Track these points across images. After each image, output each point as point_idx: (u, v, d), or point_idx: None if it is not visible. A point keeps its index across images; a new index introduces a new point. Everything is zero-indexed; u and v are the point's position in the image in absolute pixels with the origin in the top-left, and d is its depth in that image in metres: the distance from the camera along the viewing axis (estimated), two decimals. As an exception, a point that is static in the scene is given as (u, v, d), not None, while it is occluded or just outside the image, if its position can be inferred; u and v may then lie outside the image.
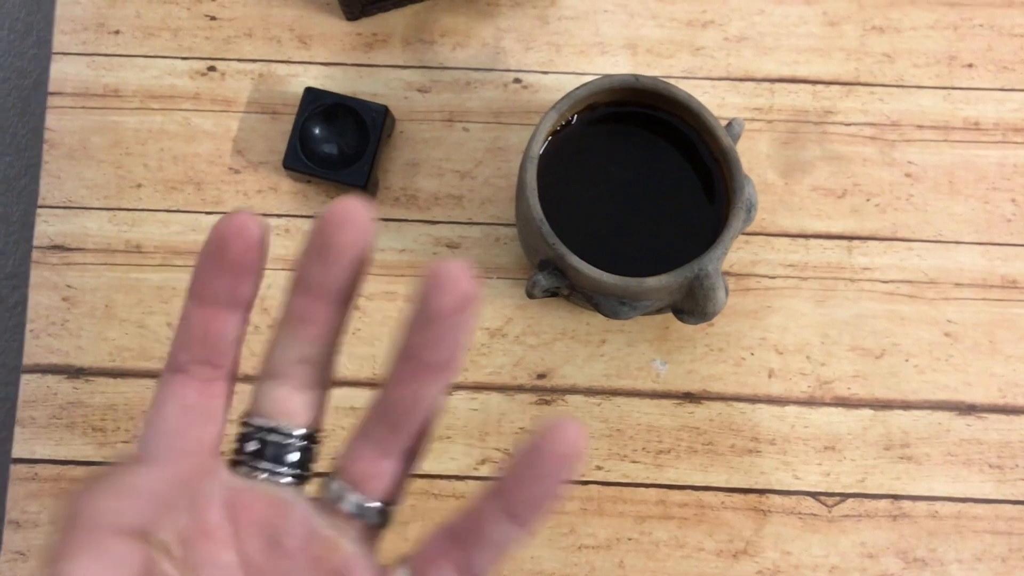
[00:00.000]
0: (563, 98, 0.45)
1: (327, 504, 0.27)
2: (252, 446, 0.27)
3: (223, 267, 0.26)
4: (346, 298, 0.27)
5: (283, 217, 0.53)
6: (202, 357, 0.27)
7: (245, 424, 0.28)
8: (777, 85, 0.54)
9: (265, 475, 0.27)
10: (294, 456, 0.27)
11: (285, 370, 0.27)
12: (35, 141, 1.01)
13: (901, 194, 0.53)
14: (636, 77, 0.45)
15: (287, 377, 0.27)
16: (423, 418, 0.27)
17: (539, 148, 0.45)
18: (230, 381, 0.28)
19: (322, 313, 0.27)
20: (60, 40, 0.55)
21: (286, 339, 0.27)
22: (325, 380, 0.28)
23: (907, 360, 0.52)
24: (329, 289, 0.26)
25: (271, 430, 0.27)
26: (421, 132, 0.54)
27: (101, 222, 0.53)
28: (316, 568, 0.26)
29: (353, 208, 0.25)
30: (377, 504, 0.27)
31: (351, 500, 0.27)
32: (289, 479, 0.27)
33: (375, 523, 0.27)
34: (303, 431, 0.27)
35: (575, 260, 0.44)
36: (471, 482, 0.51)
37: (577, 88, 0.45)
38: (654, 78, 0.45)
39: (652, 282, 0.44)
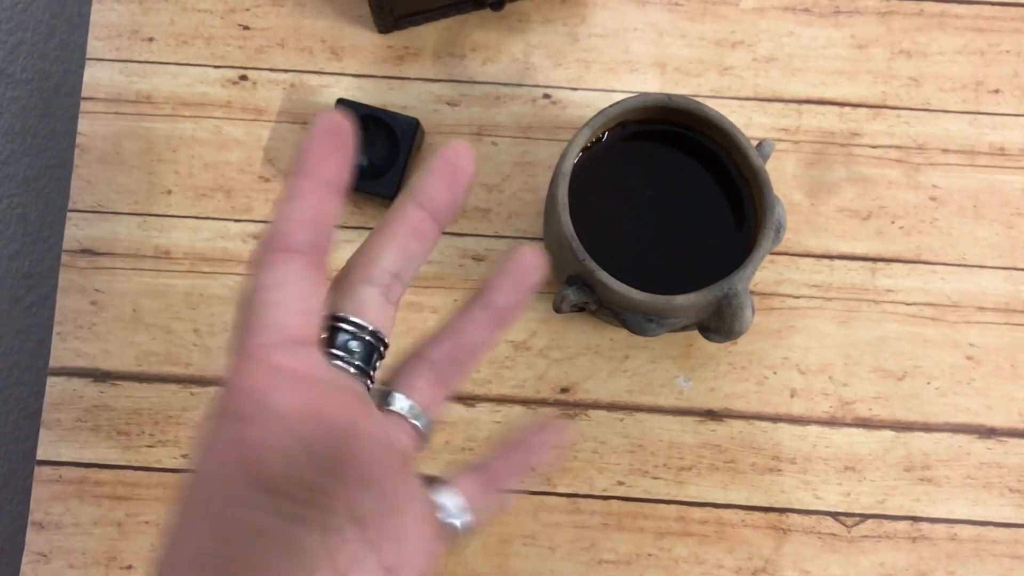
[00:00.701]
0: (596, 115, 0.46)
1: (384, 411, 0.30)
2: (355, 345, 0.29)
3: (334, 148, 0.28)
4: (445, 223, 0.31)
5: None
6: (314, 238, 0.28)
7: (342, 320, 0.29)
8: (804, 106, 0.55)
9: (356, 373, 0.29)
10: (378, 362, 0.30)
11: (381, 279, 0.30)
12: (55, 143, 1.01)
13: (926, 217, 0.54)
14: (669, 96, 0.46)
15: (380, 286, 0.30)
16: (479, 358, 0.32)
17: (571, 164, 0.45)
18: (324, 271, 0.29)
19: (429, 231, 0.30)
20: (94, 46, 0.55)
21: (393, 248, 0.30)
22: (398, 300, 0.31)
23: (928, 383, 0.52)
24: (442, 210, 0.30)
25: (372, 333, 0.29)
26: (450, 145, 0.54)
27: (131, 227, 0.54)
28: (383, 460, 0.28)
29: (468, 146, 0.30)
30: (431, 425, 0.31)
31: (421, 416, 0.30)
32: (370, 382, 0.30)
33: (423, 443, 0.31)
34: (386, 341, 0.30)
35: (605, 276, 0.44)
36: (493, 494, 0.51)
37: (611, 105, 0.46)
38: (687, 97, 0.46)
39: (681, 300, 0.44)
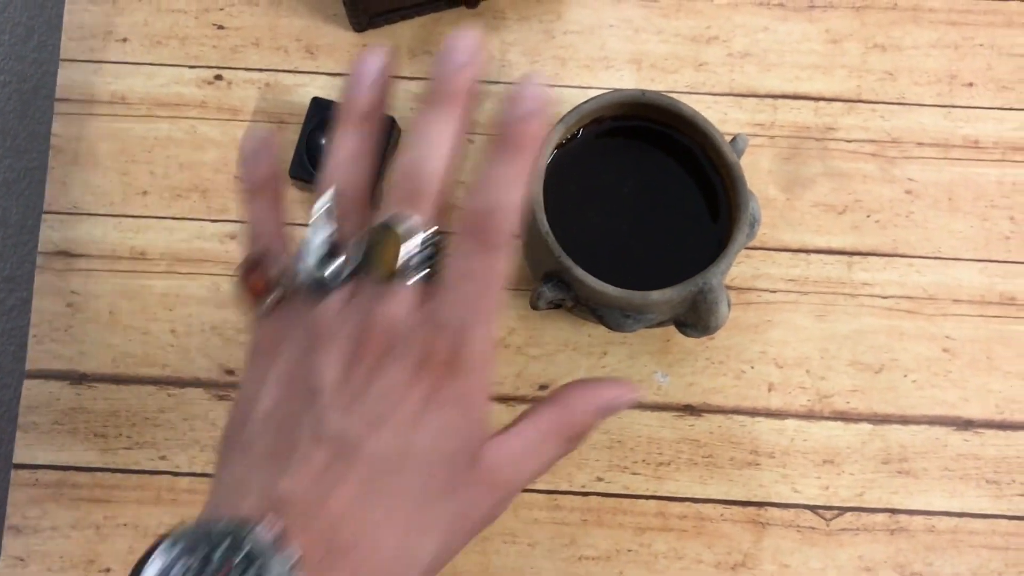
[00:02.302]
0: (570, 111, 0.46)
1: None
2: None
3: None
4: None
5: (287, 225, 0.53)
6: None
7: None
8: (780, 101, 0.55)
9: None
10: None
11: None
12: (34, 145, 1.01)
13: (901, 211, 0.54)
14: (643, 92, 0.46)
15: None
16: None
17: (545, 161, 0.45)
18: None
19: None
20: (68, 47, 0.55)
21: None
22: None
23: (906, 375, 0.52)
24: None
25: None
26: (426, 143, 0.54)
27: (106, 228, 0.54)
28: None
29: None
30: None
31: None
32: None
33: None
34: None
35: (580, 273, 0.44)
36: (472, 492, 0.51)
37: (585, 102, 0.46)
38: (660, 93, 0.46)
39: (656, 295, 0.44)
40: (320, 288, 0.35)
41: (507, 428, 0.36)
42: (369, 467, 0.33)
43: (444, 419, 0.33)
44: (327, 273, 0.35)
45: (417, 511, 0.33)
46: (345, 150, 0.36)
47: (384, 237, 0.34)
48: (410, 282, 0.34)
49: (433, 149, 0.35)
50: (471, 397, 0.34)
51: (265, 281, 0.36)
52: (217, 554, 0.30)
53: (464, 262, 0.34)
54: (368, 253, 0.34)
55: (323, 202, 0.35)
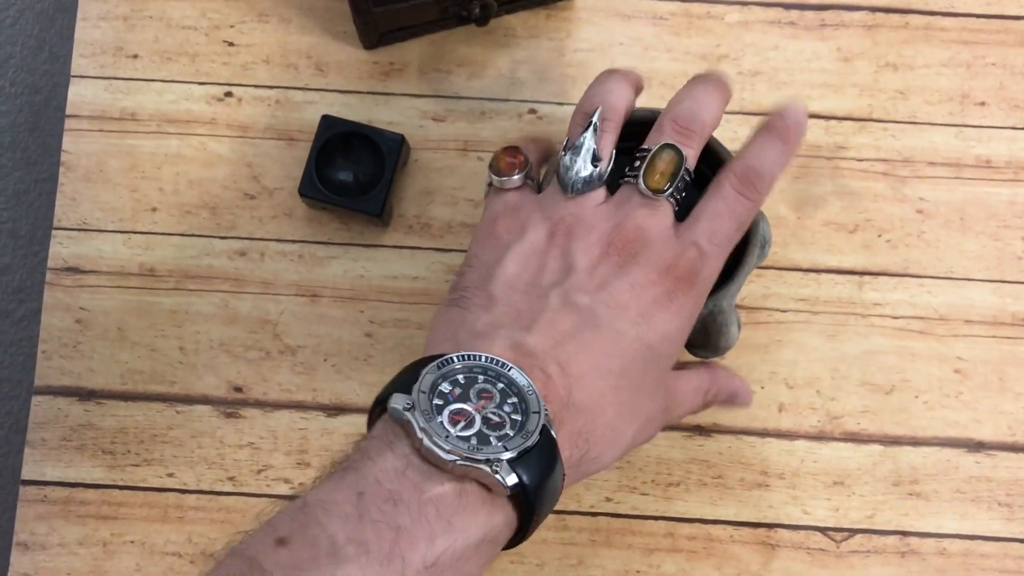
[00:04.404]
0: (580, 132, 0.45)
1: None
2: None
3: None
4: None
5: (297, 243, 0.53)
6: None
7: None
8: (790, 120, 0.54)
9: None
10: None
11: None
12: (45, 157, 1.01)
13: (912, 230, 0.54)
14: (653, 111, 0.45)
15: None
16: None
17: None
18: None
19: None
20: (78, 63, 0.55)
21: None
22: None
23: (917, 396, 0.52)
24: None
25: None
26: (436, 161, 0.54)
27: (116, 245, 0.54)
28: None
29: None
30: None
31: None
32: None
33: None
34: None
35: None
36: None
37: (594, 122, 0.46)
38: (670, 114, 0.46)
39: (666, 317, 0.44)
40: (585, 185, 0.41)
41: (678, 371, 0.43)
42: (605, 344, 0.38)
43: (668, 325, 0.39)
44: (593, 174, 0.41)
45: (629, 397, 0.38)
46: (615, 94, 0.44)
47: (667, 154, 0.41)
48: (668, 199, 0.40)
49: (707, 105, 0.42)
50: (691, 311, 0.40)
51: (518, 162, 0.43)
52: (481, 378, 0.35)
53: (723, 203, 0.40)
54: (651, 162, 0.40)
55: (595, 118, 0.42)
